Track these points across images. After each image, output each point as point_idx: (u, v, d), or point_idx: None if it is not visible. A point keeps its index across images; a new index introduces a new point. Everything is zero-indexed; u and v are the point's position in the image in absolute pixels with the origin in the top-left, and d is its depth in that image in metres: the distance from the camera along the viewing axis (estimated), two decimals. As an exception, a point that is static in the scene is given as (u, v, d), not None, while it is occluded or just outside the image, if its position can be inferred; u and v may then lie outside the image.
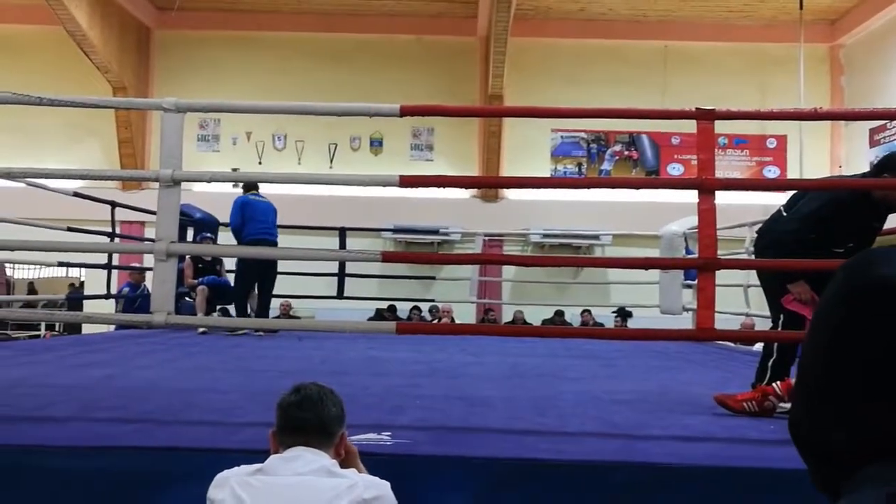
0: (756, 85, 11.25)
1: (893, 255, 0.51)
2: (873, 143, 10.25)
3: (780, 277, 2.75)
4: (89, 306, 8.58)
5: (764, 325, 6.65)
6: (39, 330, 10.00)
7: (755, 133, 11.23)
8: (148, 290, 7.58)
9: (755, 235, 3.24)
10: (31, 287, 12.77)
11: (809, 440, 0.52)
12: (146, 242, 7.12)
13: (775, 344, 2.85)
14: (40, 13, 10.01)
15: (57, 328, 9.94)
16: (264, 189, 6.37)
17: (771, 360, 2.80)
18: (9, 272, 12.55)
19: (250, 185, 6.35)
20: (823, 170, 10.95)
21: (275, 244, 6.09)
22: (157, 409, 2.54)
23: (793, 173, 10.81)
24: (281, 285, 7.39)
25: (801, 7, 10.30)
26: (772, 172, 11.19)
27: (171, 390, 3.00)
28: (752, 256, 5.90)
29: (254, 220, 6.02)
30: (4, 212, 5.55)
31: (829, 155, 11.31)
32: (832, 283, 0.54)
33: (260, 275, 6.19)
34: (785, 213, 2.84)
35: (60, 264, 6.15)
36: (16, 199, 7.88)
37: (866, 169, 10.90)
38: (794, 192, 2.96)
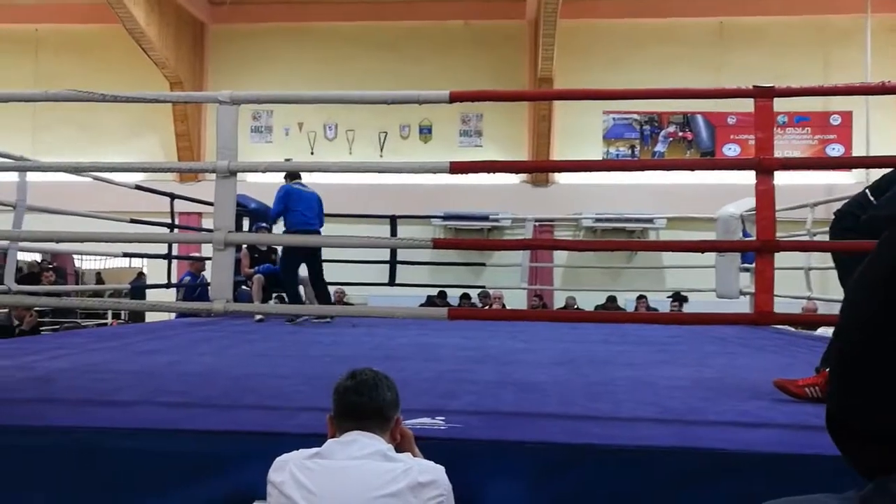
0: (819, 59, 10.82)
1: None
2: (947, 118, 9.74)
3: (856, 259, 2.59)
4: (151, 295, 8.91)
5: (827, 308, 6.43)
6: (106, 318, 10.43)
7: (818, 110, 10.82)
8: (207, 280, 7.80)
9: (828, 217, 3.06)
10: (99, 277, 13.30)
11: (858, 421, 0.49)
12: (204, 232, 7.32)
13: None
14: (101, 12, 10.36)
15: (122, 316, 10.34)
16: (316, 178, 6.40)
17: None
18: (77, 263, 13.10)
19: (293, 174, 6.24)
20: (892, 147, 10.46)
21: (317, 233, 6.06)
22: (219, 393, 2.62)
23: (859, 151, 10.38)
24: (334, 273, 7.50)
25: (867, -24, 9.85)
26: (836, 151, 10.77)
27: (231, 376, 3.09)
28: (816, 238, 5.70)
29: (296, 210, 6.00)
30: (72, 205, 5.79)
31: (898, 131, 10.82)
32: (874, 257, 0.49)
33: (304, 263, 6.19)
34: (872, 198, 2.63)
35: (125, 255, 6.37)
36: (82, 193, 8.22)
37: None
38: (884, 173, 2.74)
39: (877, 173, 2.83)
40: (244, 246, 6.77)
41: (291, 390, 2.70)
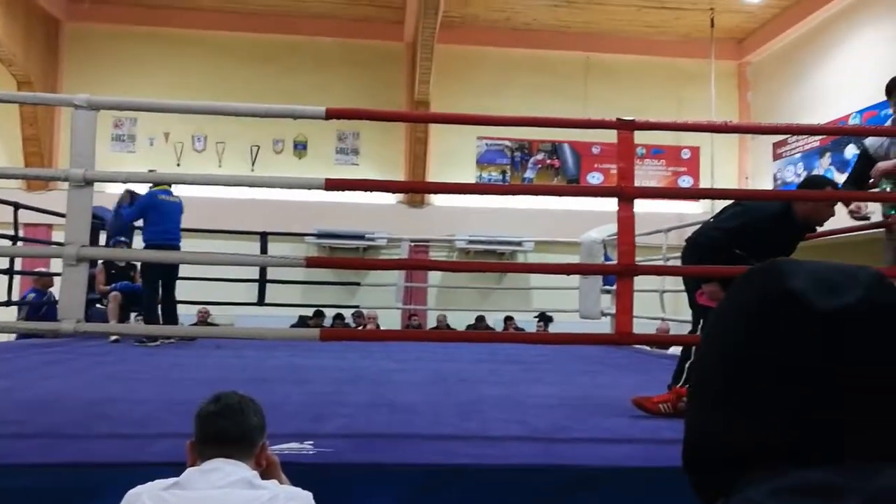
0: (672, 98, 11.73)
1: (799, 267, 0.52)
2: (776, 157, 10.86)
3: (698, 277, 2.93)
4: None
5: (678, 329, 6.93)
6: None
7: (671, 144, 11.71)
8: (55, 297, 7.18)
9: (680, 243, 3.41)
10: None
11: (704, 448, 0.51)
12: (54, 246, 6.75)
13: (693, 347, 2.97)
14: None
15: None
16: (182, 191, 6.08)
17: (688, 363, 2.92)
18: None
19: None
20: (732, 180, 11.52)
21: (177, 248, 5.77)
22: (64, 422, 2.41)
23: (705, 183, 11.32)
24: (199, 291, 7.15)
25: (711, 25, 10.87)
26: (686, 182, 11.69)
27: (79, 402, 2.85)
28: (669, 262, 6.15)
29: (156, 223, 5.69)
30: None
31: (737, 166, 11.92)
32: (737, 291, 0.52)
33: (162, 277, 5.86)
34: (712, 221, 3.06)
35: (-44, 269, 5.73)
36: None
37: (769, 182, 11.45)
38: (727, 204, 3.14)
39: (720, 204, 3.17)
40: (100, 261, 6.30)
41: (149, 416, 2.53)
